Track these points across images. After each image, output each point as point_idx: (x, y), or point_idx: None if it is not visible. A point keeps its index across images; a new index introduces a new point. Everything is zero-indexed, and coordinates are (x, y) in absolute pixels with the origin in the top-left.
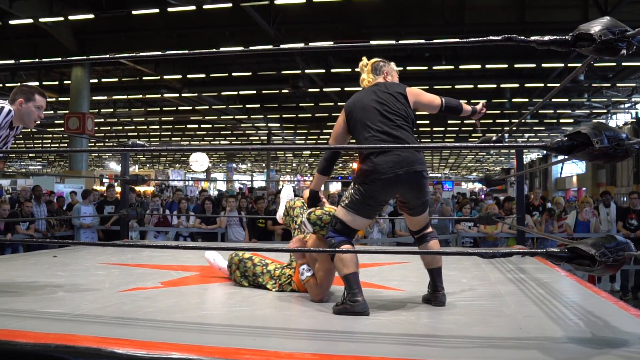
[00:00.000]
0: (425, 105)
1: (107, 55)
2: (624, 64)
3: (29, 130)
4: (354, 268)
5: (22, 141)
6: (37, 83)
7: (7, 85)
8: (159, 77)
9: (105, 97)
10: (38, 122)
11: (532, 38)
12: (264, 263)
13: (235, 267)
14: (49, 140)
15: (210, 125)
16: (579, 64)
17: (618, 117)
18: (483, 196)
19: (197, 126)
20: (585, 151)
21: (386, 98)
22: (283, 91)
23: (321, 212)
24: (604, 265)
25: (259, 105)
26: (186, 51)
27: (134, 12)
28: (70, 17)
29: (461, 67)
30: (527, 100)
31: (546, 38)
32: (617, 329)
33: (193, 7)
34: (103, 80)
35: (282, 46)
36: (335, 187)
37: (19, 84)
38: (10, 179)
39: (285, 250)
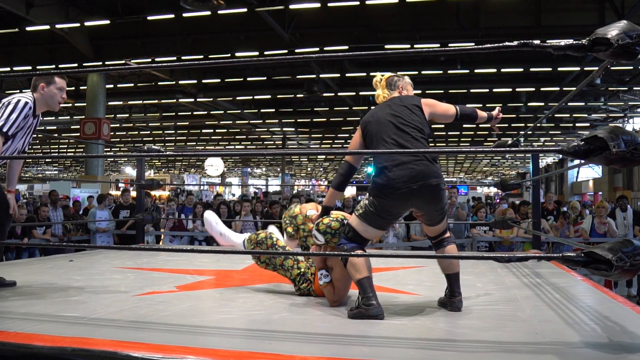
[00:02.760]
0: (440, 115)
1: (123, 63)
2: None
3: (44, 136)
4: (366, 272)
5: (39, 146)
6: None
7: (24, 90)
8: (174, 82)
9: (120, 103)
10: (61, 104)
11: (549, 43)
12: (295, 258)
13: (260, 248)
14: (65, 146)
15: (225, 130)
16: (595, 68)
17: (635, 120)
18: (498, 200)
19: (212, 131)
20: (602, 155)
21: (401, 111)
22: (298, 96)
23: (329, 220)
24: (621, 270)
25: (273, 110)
26: (201, 57)
27: (149, 18)
28: (86, 23)
29: (476, 71)
30: (542, 104)
31: (563, 43)
32: (634, 334)
33: (208, 12)
34: (119, 85)
35: (297, 51)
36: (349, 191)
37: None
38: (27, 184)
39: (300, 254)
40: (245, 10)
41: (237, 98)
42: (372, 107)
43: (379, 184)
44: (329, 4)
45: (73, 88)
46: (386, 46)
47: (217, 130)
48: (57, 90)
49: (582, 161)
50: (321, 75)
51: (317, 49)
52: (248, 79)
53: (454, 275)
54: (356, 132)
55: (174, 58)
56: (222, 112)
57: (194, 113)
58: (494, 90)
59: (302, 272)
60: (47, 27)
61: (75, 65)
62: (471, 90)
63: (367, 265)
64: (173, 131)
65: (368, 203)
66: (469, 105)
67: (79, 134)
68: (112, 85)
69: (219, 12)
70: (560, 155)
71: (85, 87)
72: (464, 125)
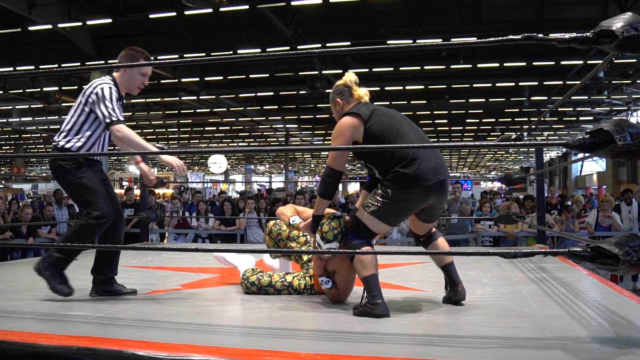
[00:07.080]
0: None
1: (126, 62)
2: None
3: (48, 135)
4: (373, 270)
5: (42, 146)
6: (57, 87)
7: (27, 90)
8: (176, 80)
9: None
10: (140, 89)
11: (553, 36)
12: (285, 283)
13: (255, 292)
14: None
15: (228, 127)
16: (599, 61)
17: (639, 114)
18: (503, 195)
19: (215, 128)
20: (608, 148)
21: (393, 112)
22: (301, 92)
23: (328, 226)
24: (628, 264)
25: (276, 107)
26: (203, 55)
27: (151, 16)
28: (89, 22)
29: (479, 65)
30: (546, 98)
31: (567, 36)
32: None
33: (210, 10)
34: None
35: (299, 47)
36: (353, 187)
37: (124, 50)
38: (32, 183)
39: (305, 252)
40: (247, 7)
41: (240, 95)
42: (356, 105)
43: (408, 174)
44: (331, 0)
45: (76, 87)
46: (388, 41)
47: (220, 128)
48: (139, 75)
49: (587, 154)
50: (324, 72)
51: (319, 45)
52: (250, 76)
53: (449, 265)
54: (343, 134)
55: (176, 56)
56: (225, 109)
57: (197, 111)
58: (497, 84)
59: (298, 283)
60: (50, 26)
61: (78, 64)
62: (474, 85)
63: (374, 263)
64: (176, 129)
65: (384, 200)
66: None
67: None
68: None
69: (221, 9)
70: (564, 149)
71: None
72: (467, 120)
